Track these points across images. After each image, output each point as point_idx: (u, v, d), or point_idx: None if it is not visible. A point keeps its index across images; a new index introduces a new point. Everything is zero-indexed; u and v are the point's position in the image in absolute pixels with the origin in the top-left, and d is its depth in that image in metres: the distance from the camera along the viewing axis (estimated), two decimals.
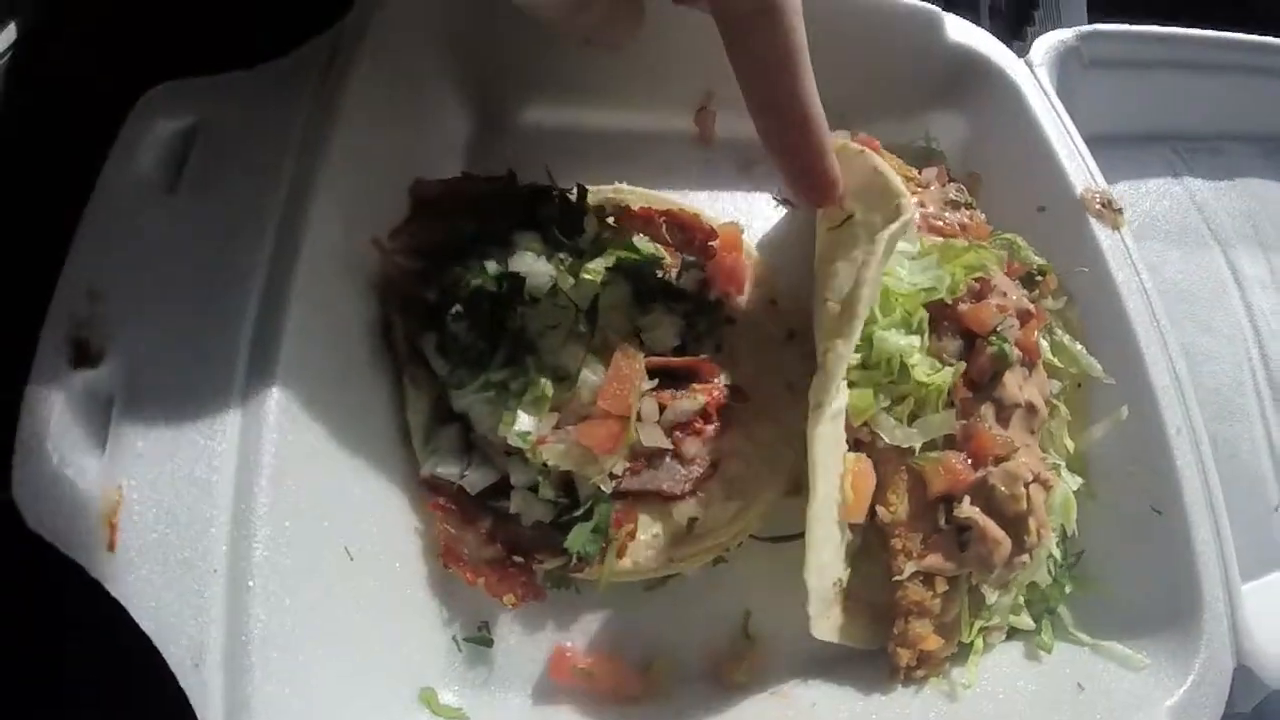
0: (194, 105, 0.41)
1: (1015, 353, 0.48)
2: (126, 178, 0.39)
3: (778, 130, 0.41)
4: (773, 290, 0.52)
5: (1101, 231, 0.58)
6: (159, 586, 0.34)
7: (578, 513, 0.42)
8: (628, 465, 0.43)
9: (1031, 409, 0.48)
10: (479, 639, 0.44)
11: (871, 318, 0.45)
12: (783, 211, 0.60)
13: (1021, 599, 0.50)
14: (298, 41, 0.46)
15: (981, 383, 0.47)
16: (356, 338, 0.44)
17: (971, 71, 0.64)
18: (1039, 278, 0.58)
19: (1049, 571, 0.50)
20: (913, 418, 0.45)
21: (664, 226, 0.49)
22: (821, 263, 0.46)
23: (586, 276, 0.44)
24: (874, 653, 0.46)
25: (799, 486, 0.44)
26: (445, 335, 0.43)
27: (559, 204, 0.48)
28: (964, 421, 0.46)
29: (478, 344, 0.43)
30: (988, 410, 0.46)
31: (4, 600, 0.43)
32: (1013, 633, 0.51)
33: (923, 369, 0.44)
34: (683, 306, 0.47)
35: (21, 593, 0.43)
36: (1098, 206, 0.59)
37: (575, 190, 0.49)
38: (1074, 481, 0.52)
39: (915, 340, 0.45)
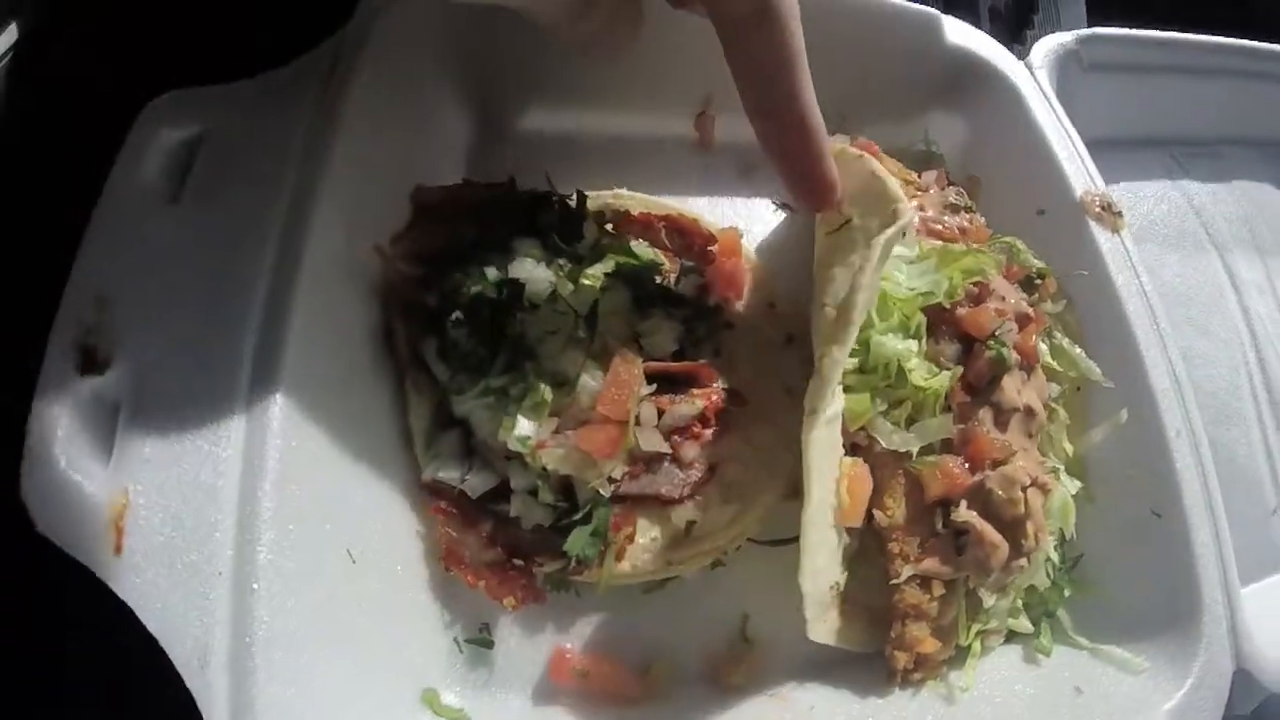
0: (198, 114, 0.42)
1: (1013, 357, 0.48)
2: (132, 186, 0.39)
3: (775, 133, 0.41)
4: (772, 294, 0.53)
5: (1101, 234, 0.58)
6: (165, 589, 0.34)
7: (577, 516, 0.42)
8: (626, 469, 0.43)
9: (1030, 413, 0.49)
10: (480, 641, 0.44)
11: (869, 322, 0.45)
12: (782, 216, 0.61)
13: (1019, 602, 0.50)
14: (299, 45, 0.47)
15: (979, 387, 0.47)
16: (359, 344, 0.44)
17: (971, 74, 0.64)
18: (1038, 281, 0.58)
19: (1048, 575, 0.50)
20: (910, 422, 0.45)
21: (663, 231, 0.50)
22: (820, 267, 0.47)
23: (586, 282, 0.44)
24: (871, 656, 0.46)
25: (797, 490, 0.44)
26: (446, 341, 0.43)
27: (559, 210, 0.48)
28: (962, 426, 0.46)
29: (478, 350, 0.43)
30: (985, 414, 0.46)
31: (4, 600, 0.43)
32: (1011, 636, 0.51)
33: (920, 373, 0.45)
34: (681, 312, 0.48)
35: (21, 593, 0.43)
36: (1097, 209, 0.59)
37: (575, 196, 0.49)
38: (1073, 485, 0.52)
39: (913, 345, 0.45)
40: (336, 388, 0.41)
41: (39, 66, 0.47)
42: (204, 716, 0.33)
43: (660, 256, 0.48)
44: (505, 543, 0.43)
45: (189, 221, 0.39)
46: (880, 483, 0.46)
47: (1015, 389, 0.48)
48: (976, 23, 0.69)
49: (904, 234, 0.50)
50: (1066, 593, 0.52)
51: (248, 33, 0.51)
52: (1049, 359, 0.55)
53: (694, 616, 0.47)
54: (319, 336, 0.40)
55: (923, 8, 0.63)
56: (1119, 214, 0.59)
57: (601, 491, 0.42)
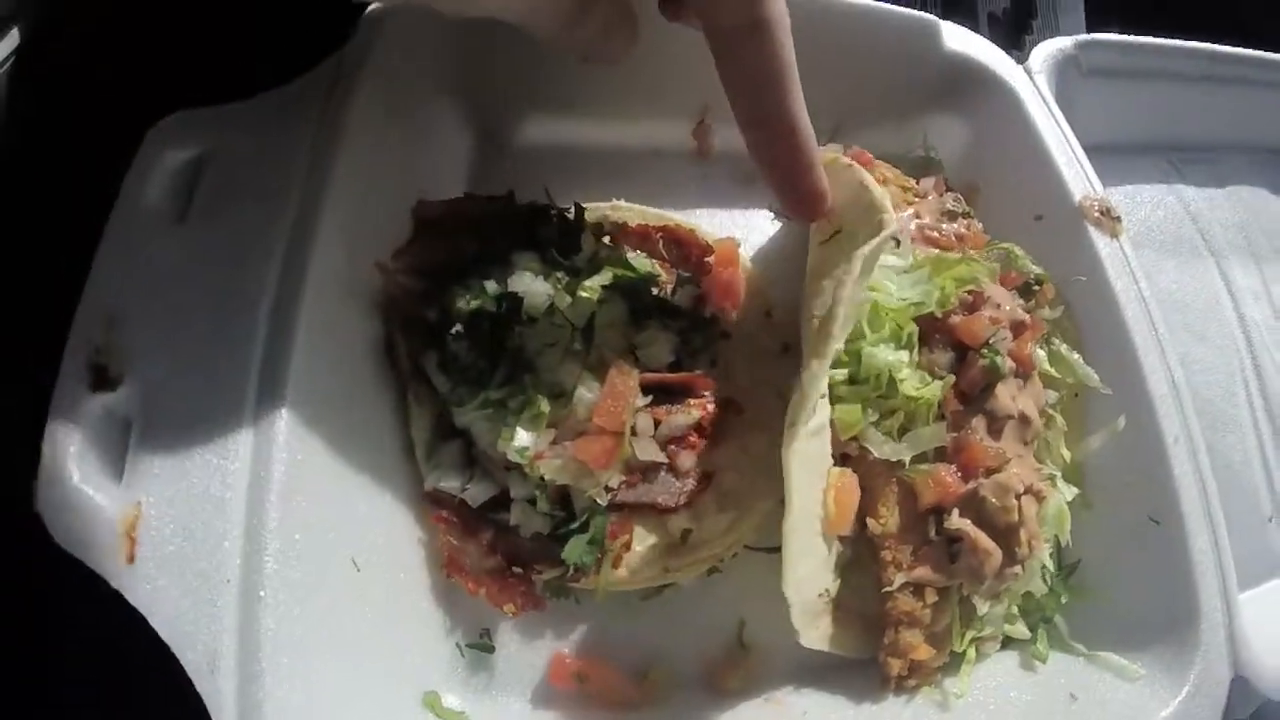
0: (202, 135, 0.43)
1: (1008, 364, 0.48)
2: (139, 208, 0.41)
3: (766, 144, 0.42)
4: (768, 303, 0.53)
5: (1100, 239, 0.58)
6: (176, 597, 0.35)
7: (574, 525, 0.43)
8: (624, 479, 0.44)
9: (1025, 420, 0.49)
10: (481, 646, 0.45)
11: (860, 333, 0.46)
12: (780, 224, 0.61)
13: (1015, 608, 0.50)
14: (300, 62, 0.47)
15: (973, 395, 0.47)
16: (361, 357, 0.45)
17: (969, 79, 0.64)
18: (1036, 287, 0.58)
19: (1044, 581, 0.51)
20: (903, 431, 0.46)
21: (661, 242, 0.51)
22: (811, 278, 0.47)
23: (583, 295, 0.45)
24: (866, 661, 0.47)
25: None
26: (446, 354, 0.44)
27: (557, 223, 0.49)
28: (955, 434, 0.46)
29: (478, 363, 0.44)
30: (979, 422, 0.47)
31: (4, 600, 0.44)
32: (1008, 642, 0.51)
33: (911, 383, 0.45)
34: (678, 323, 0.48)
35: (21, 593, 0.44)
36: (1096, 214, 0.59)
37: (573, 209, 0.50)
38: (1069, 492, 0.52)
39: (904, 355, 0.45)
40: (340, 401, 0.42)
41: (41, 71, 0.47)
42: (213, 718, 0.34)
43: (657, 268, 0.49)
44: (505, 550, 0.44)
45: (195, 241, 0.41)
46: (873, 491, 0.46)
47: (1010, 396, 0.48)
48: (975, 27, 0.69)
49: (897, 243, 0.51)
50: (1063, 599, 0.52)
51: (248, 49, 0.52)
52: (1046, 365, 0.55)
53: (691, 622, 0.48)
54: (323, 351, 0.41)
55: (920, 14, 0.63)
56: (1117, 219, 0.59)
57: (599, 500, 0.43)
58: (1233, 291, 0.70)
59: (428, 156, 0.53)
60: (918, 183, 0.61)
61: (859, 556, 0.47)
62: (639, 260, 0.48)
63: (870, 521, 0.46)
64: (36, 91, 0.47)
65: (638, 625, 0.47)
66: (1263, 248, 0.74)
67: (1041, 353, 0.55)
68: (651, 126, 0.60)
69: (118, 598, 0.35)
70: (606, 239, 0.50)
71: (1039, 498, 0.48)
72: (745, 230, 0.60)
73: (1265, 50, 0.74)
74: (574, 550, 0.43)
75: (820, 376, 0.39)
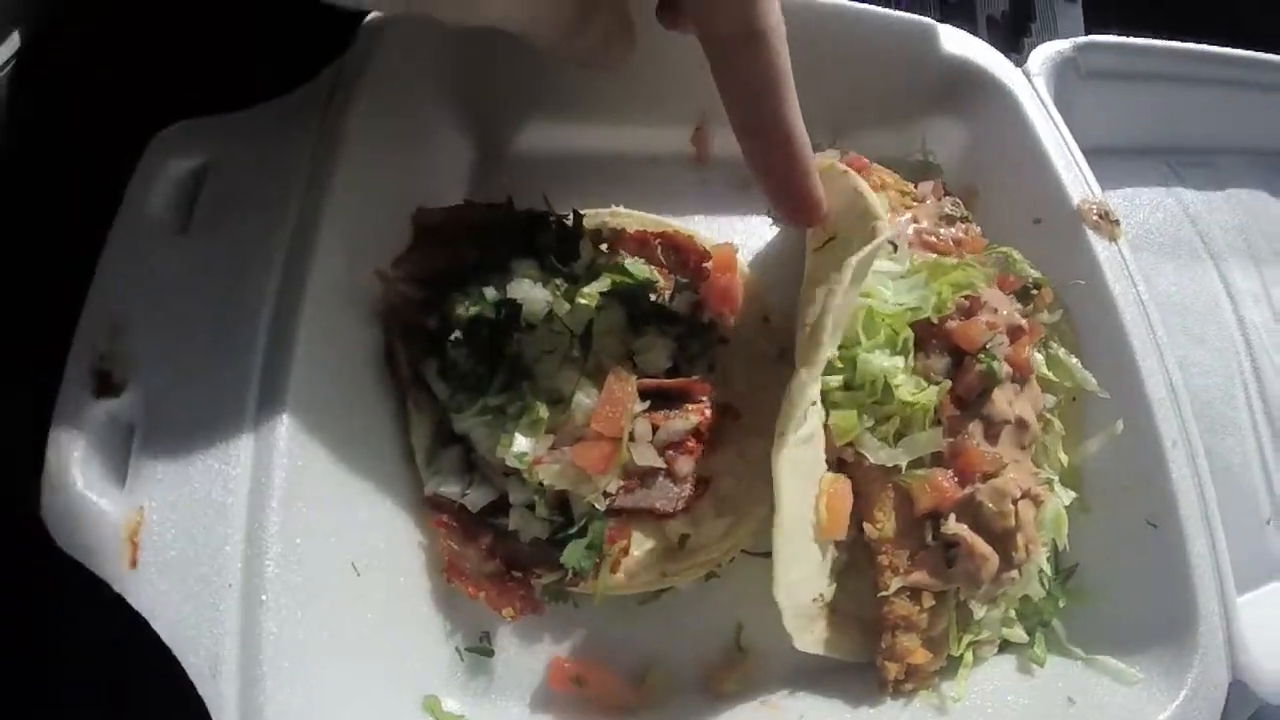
0: (203, 145, 0.43)
1: (1004, 369, 0.48)
2: (142, 217, 0.41)
3: (761, 152, 0.42)
4: (766, 308, 0.53)
5: (1098, 243, 0.58)
6: (178, 601, 0.36)
7: (573, 530, 0.44)
8: (622, 484, 0.44)
9: (1022, 425, 0.49)
10: (480, 649, 0.46)
11: (855, 340, 0.46)
12: (778, 229, 0.61)
13: (1013, 612, 0.50)
14: (301, 69, 0.48)
15: (969, 400, 0.48)
16: (362, 364, 0.46)
17: (968, 82, 0.64)
18: (1034, 291, 0.58)
19: (1042, 585, 0.51)
20: (899, 436, 0.46)
21: (659, 248, 0.51)
22: (806, 284, 0.47)
23: (582, 301, 0.45)
24: (863, 665, 0.47)
25: None
26: (446, 361, 0.45)
27: (556, 230, 0.50)
28: (952, 439, 0.47)
29: (476, 369, 0.44)
30: (976, 427, 0.47)
31: (4, 600, 0.45)
32: (1006, 646, 0.51)
33: (907, 389, 0.45)
34: (675, 329, 0.49)
35: (21, 593, 0.45)
36: (1095, 218, 0.59)
37: (571, 216, 0.50)
38: (1067, 496, 0.52)
39: (899, 361, 0.46)
40: (340, 407, 0.43)
41: (42, 74, 0.48)
42: None
43: (655, 274, 0.49)
44: (504, 555, 0.45)
45: (197, 249, 0.41)
46: (870, 496, 0.46)
47: (1007, 401, 0.48)
48: (974, 30, 0.69)
49: (894, 247, 0.51)
50: (1061, 603, 0.52)
51: (249, 55, 0.52)
52: (1044, 369, 0.55)
53: (689, 626, 0.48)
54: (323, 358, 0.41)
55: (918, 17, 0.63)
56: (1116, 222, 0.59)
57: (597, 506, 0.44)
58: (1232, 294, 0.70)
59: (427, 164, 0.53)
60: (916, 187, 0.61)
61: (856, 561, 0.47)
62: (637, 266, 0.48)
63: (867, 526, 0.46)
64: (37, 94, 0.48)
65: (636, 629, 0.48)
66: (1262, 250, 0.74)
67: (1039, 357, 0.55)
68: (650, 132, 0.60)
69: (119, 600, 0.35)
70: (605, 245, 0.50)
71: (1036, 502, 0.48)
72: (743, 235, 0.60)
73: (1265, 51, 0.74)
74: (572, 555, 0.43)
75: (809, 385, 0.39)
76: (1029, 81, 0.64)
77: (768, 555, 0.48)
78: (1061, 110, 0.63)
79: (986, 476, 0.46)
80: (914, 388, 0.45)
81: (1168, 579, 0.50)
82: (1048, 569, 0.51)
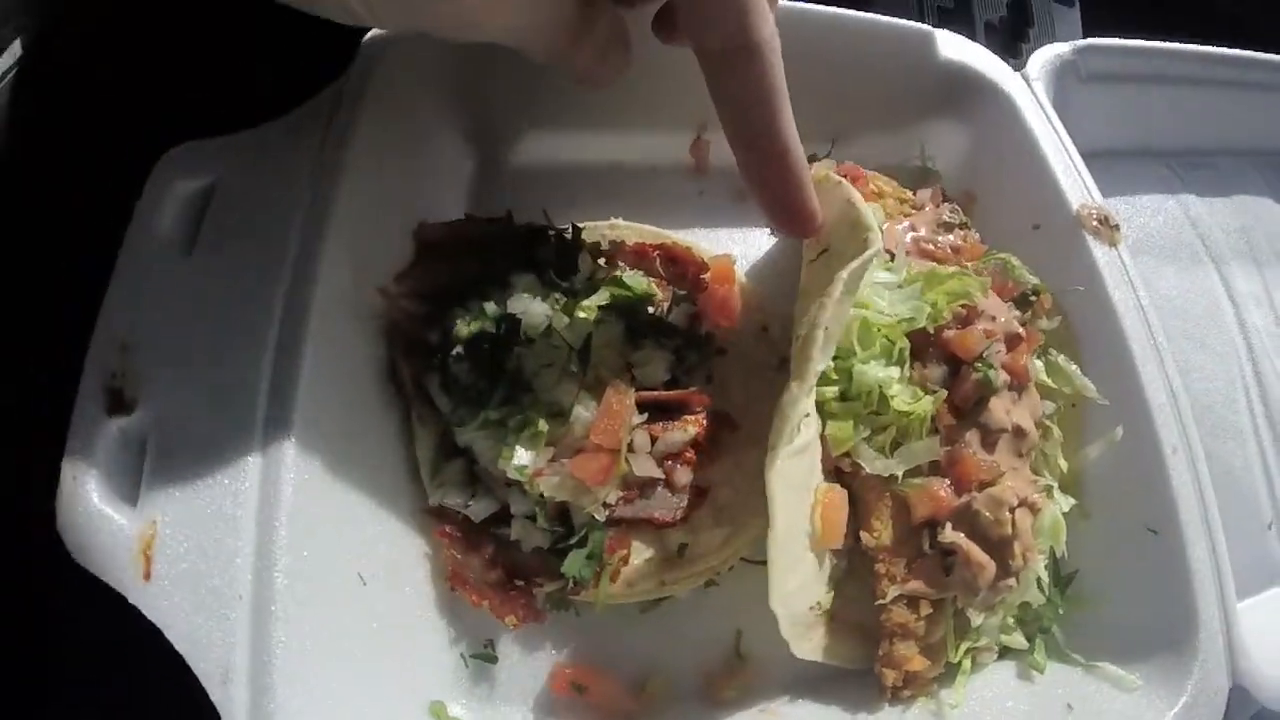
0: (209, 165, 0.44)
1: (1001, 377, 0.49)
2: (149, 237, 0.42)
3: (756, 164, 0.42)
4: (765, 318, 0.54)
5: (1098, 248, 0.58)
6: (190, 611, 0.37)
7: (574, 540, 0.44)
8: (621, 494, 0.45)
9: (1020, 433, 0.49)
10: (484, 656, 0.47)
11: (850, 350, 0.46)
12: (776, 239, 0.62)
13: (1012, 619, 0.51)
14: (303, 84, 0.49)
15: (966, 409, 0.48)
16: (366, 379, 0.47)
17: (966, 87, 0.64)
18: (1033, 298, 0.58)
19: (1041, 591, 0.51)
20: (895, 445, 0.46)
21: (657, 260, 0.51)
22: (801, 296, 0.48)
23: (581, 315, 0.46)
24: (862, 672, 0.48)
25: None
26: (448, 375, 0.46)
27: (555, 244, 0.50)
28: (948, 448, 0.47)
29: (478, 383, 0.45)
30: (973, 436, 0.47)
31: (4, 600, 0.45)
32: (1006, 652, 0.51)
33: (903, 399, 0.45)
34: (673, 341, 0.49)
35: (21, 593, 0.45)
36: (1094, 223, 0.59)
37: (570, 230, 0.51)
38: (1066, 502, 0.52)
39: (895, 371, 0.46)
40: (346, 422, 0.44)
41: (43, 81, 0.49)
42: None
43: (653, 287, 0.49)
44: (507, 564, 0.45)
45: (204, 269, 0.42)
46: (867, 505, 0.47)
47: (1004, 410, 0.48)
48: (972, 35, 0.69)
49: (891, 256, 0.51)
50: (1061, 609, 0.52)
51: (250, 73, 0.53)
52: (1043, 376, 0.55)
53: (688, 634, 0.49)
54: (328, 374, 0.42)
55: (915, 24, 0.63)
56: (1116, 227, 0.59)
57: (597, 516, 0.44)
58: (1234, 297, 0.70)
59: (428, 179, 0.54)
60: (914, 194, 0.61)
61: (854, 569, 0.47)
62: (635, 279, 0.49)
63: (864, 535, 0.46)
64: (38, 101, 0.49)
65: (636, 637, 0.49)
66: (1264, 252, 0.74)
67: (1039, 363, 0.55)
68: (649, 143, 0.61)
69: (119, 602, 0.36)
70: (603, 259, 0.51)
71: (1034, 510, 0.48)
72: (743, 246, 0.60)
73: (1265, 51, 0.74)
74: (573, 564, 0.44)
75: (800, 399, 0.40)
76: (1028, 86, 0.64)
77: (766, 563, 0.49)
78: (1061, 114, 0.63)
79: (983, 485, 0.46)
80: (910, 397, 0.46)
81: (1168, 585, 0.50)
82: (1046, 576, 0.51)
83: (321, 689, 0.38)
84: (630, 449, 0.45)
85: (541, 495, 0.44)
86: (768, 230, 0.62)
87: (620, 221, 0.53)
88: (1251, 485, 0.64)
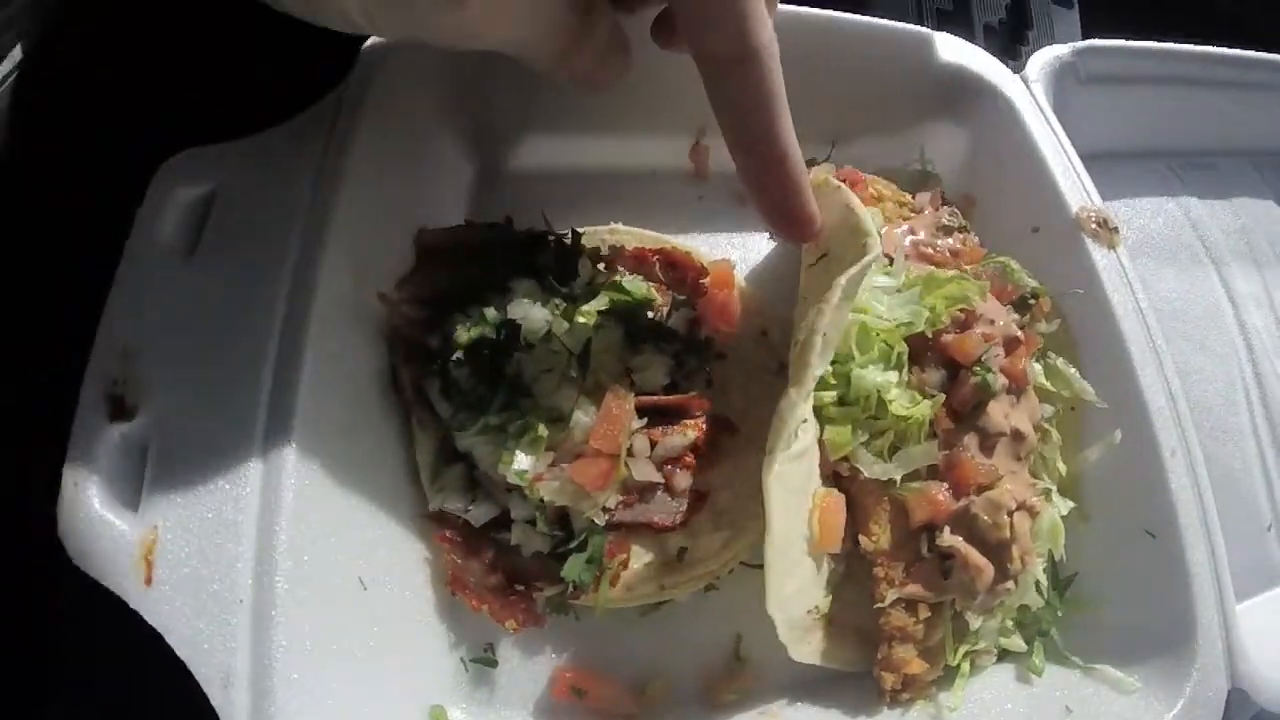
0: (210, 172, 0.44)
1: (1000, 381, 0.49)
2: (151, 244, 0.42)
3: (755, 169, 0.42)
4: (764, 322, 0.54)
5: (1097, 251, 0.58)
6: (191, 616, 0.37)
7: (573, 544, 0.44)
8: (621, 499, 0.45)
9: (1018, 436, 0.49)
10: (484, 660, 0.47)
11: (849, 355, 0.46)
12: (775, 243, 0.62)
13: (1011, 622, 0.51)
14: (304, 90, 0.49)
15: (964, 413, 0.48)
16: (367, 384, 0.47)
17: (966, 89, 0.64)
18: (1032, 301, 0.58)
19: (1040, 594, 0.51)
20: (894, 450, 0.46)
21: (657, 265, 0.52)
22: (800, 301, 0.48)
23: (580, 320, 0.46)
24: (862, 675, 0.48)
25: None
26: (448, 380, 0.46)
27: (554, 249, 0.50)
28: (947, 452, 0.47)
29: (478, 389, 0.45)
30: (971, 440, 0.47)
31: (4, 600, 0.45)
32: (1004, 655, 0.51)
33: (901, 403, 0.45)
34: (673, 346, 0.49)
35: (21, 593, 0.45)
36: (1093, 226, 0.59)
37: (570, 235, 0.51)
38: (1064, 505, 0.52)
39: (893, 376, 0.46)
40: (346, 427, 0.44)
41: (44, 85, 0.49)
42: None
43: (653, 292, 0.50)
44: (507, 569, 0.46)
45: (205, 275, 0.42)
46: (865, 509, 0.47)
47: (1002, 413, 0.48)
48: (971, 38, 0.69)
49: (890, 261, 0.51)
50: (1059, 612, 0.53)
51: (250, 79, 0.53)
52: (1042, 379, 0.55)
53: (688, 638, 0.49)
54: (329, 379, 0.43)
55: (913, 27, 0.63)
56: (1115, 230, 0.59)
57: (596, 520, 0.44)
58: (1233, 298, 0.70)
59: (428, 185, 0.54)
60: (914, 197, 0.61)
61: (853, 573, 0.48)
62: (635, 284, 0.49)
63: (862, 539, 0.46)
64: (39, 105, 0.49)
65: (636, 640, 0.49)
66: (1265, 253, 0.74)
67: (1037, 367, 0.55)
68: (648, 148, 0.61)
69: (120, 603, 0.36)
70: (603, 264, 0.51)
71: (1032, 513, 0.48)
72: (742, 250, 0.60)
73: (1264, 51, 0.74)
74: (573, 568, 0.44)
75: (798, 405, 0.40)
76: (1027, 88, 0.65)
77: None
78: (1060, 115, 0.64)
79: (981, 489, 0.47)
80: (908, 402, 0.46)
81: (1166, 588, 0.51)
82: (1044, 579, 0.51)
83: (322, 693, 0.38)
84: (630, 454, 0.45)
85: (541, 500, 0.44)
86: (767, 234, 0.62)
87: (620, 226, 0.54)
88: (1251, 487, 0.64)
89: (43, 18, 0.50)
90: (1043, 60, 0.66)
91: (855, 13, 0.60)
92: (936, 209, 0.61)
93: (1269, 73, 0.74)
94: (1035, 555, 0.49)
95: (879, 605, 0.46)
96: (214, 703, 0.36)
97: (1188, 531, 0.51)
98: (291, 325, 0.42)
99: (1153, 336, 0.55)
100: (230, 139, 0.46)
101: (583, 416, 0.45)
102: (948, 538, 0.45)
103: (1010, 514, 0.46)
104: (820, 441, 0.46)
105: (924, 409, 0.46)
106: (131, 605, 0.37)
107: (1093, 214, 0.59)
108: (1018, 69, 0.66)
